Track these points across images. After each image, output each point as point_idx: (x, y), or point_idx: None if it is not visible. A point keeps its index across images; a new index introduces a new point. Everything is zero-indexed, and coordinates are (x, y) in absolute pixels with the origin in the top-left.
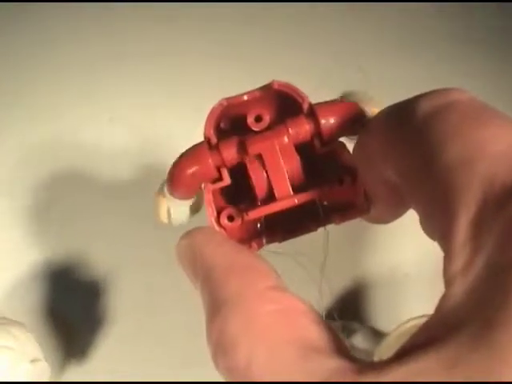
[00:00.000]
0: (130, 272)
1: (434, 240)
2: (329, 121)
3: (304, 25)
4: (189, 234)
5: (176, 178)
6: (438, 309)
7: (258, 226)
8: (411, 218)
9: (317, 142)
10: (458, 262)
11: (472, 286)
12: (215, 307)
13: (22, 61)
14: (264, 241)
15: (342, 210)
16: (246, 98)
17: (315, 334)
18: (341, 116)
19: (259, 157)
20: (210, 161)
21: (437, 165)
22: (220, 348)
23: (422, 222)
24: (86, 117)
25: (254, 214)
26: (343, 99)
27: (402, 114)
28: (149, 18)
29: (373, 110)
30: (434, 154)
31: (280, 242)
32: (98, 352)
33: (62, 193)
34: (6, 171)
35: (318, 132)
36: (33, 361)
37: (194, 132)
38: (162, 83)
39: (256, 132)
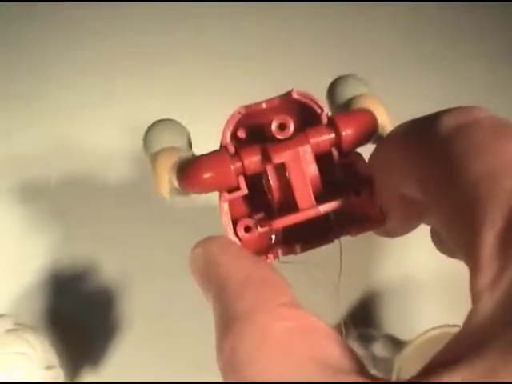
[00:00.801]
0: (144, 277)
1: (452, 257)
2: (349, 132)
3: (311, 25)
4: (203, 242)
5: (193, 178)
6: (467, 324)
7: (273, 237)
8: (427, 226)
9: (335, 153)
10: (486, 277)
11: (501, 301)
12: (228, 322)
13: (29, 65)
14: (280, 252)
15: (357, 222)
16: (264, 106)
17: (335, 353)
18: (360, 127)
19: (281, 165)
20: (231, 167)
21: (462, 179)
22: (231, 365)
23: (441, 238)
24: (95, 121)
25: (278, 224)
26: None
27: (425, 130)
28: (154, 19)
29: (367, 100)
30: (458, 168)
31: (296, 254)
32: (112, 358)
33: (75, 197)
34: (16, 176)
35: (338, 142)
36: (48, 367)
37: (207, 137)
38: (174, 87)
39: (277, 140)
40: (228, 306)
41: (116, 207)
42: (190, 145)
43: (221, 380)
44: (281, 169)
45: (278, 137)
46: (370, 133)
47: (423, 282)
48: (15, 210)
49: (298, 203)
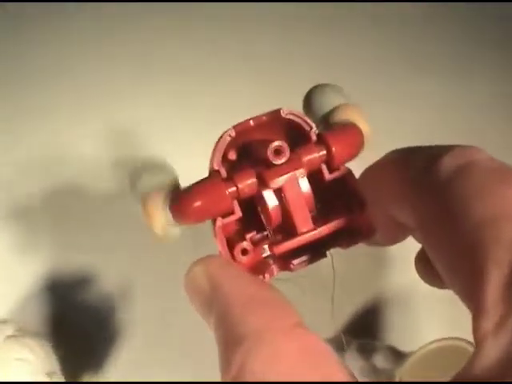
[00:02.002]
0: (144, 284)
1: (436, 287)
2: (339, 148)
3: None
4: (202, 262)
5: (188, 208)
6: (470, 368)
7: (268, 255)
8: None
9: (325, 170)
10: (489, 321)
11: (505, 348)
12: (237, 339)
13: (11, 76)
14: (275, 271)
15: (347, 234)
16: (252, 123)
17: (340, 375)
18: (349, 143)
19: (277, 189)
20: (226, 192)
21: (463, 222)
22: (241, 381)
23: (427, 268)
24: (88, 129)
25: (280, 249)
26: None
27: (424, 165)
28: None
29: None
30: (459, 211)
31: (292, 271)
32: (113, 364)
33: (74, 204)
34: (15, 185)
35: (329, 160)
36: (48, 373)
37: (200, 146)
38: (165, 95)
39: (271, 163)
40: (236, 323)
41: (117, 214)
42: (177, 182)
43: None
44: (277, 192)
45: (274, 162)
46: (359, 147)
47: (425, 293)
48: (14, 219)
49: (297, 227)
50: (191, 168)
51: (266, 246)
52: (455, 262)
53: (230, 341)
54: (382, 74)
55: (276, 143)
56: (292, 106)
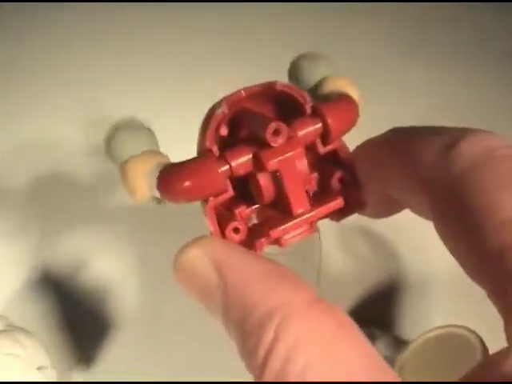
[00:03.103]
0: (134, 276)
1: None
2: (335, 121)
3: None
4: (198, 244)
5: (179, 187)
6: (497, 365)
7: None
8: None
9: (319, 143)
10: None
11: None
12: (262, 316)
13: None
14: (264, 245)
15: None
16: (243, 93)
17: (371, 347)
18: (345, 115)
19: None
20: (219, 172)
21: (488, 218)
22: (275, 358)
23: (465, 268)
24: (83, 123)
25: (277, 234)
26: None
27: (437, 154)
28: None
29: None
30: (483, 205)
31: (282, 246)
32: (105, 358)
33: (63, 199)
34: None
35: (324, 133)
36: (39, 368)
37: (188, 134)
38: (140, 84)
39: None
40: (259, 299)
41: (108, 209)
42: (158, 149)
43: (210, 380)
44: (272, 172)
45: (273, 144)
46: (354, 120)
47: (428, 280)
48: (4, 214)
49: (293, 209)
50: (181, 154)
51: (254, 216)
52: (481, 262)
53: (256, 318)
54: (378, 66)
55: (275, 123)
56: None
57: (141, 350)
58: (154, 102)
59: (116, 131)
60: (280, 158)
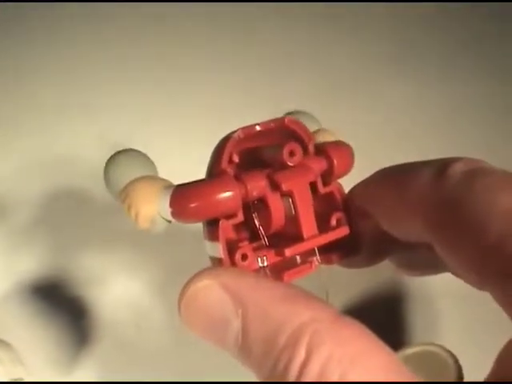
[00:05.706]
0: (117, 285)
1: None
2: (339, 161)
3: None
4: (211, 275)
5: (194, 206)
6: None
7: (260, 263)
8: None
9: (320, 183)
10: None
11: None
12: (291, 334)
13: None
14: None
15: (334, 250)
16: (258, 128)
17: (395, 356)
18: (347, 157)
19: (287, 193)
20: (236, 191)
21: (487, 216)
22: (308, 373)
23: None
24: (76, 133)
25: (290, 252)
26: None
27: (431, 173)
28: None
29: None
30: (481, 214)
31: (286, 281)
32: (84, 368)
33: (48, 208)
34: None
35: (328, 172)
36: (14, 380)
37: (188, 149)
38: (160, 98)
39: (278, 167)
40: (285, 318)
41: (90, 217)
42: (157, 174)
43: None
44: (282, 196)
45: (289, 163)
46: (353, 163)
47: (410, 293)
48: None
49: (304, 231)
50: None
51: (259, 259)
52: (483, 259)
53: (286, 336)
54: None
55: (291, 144)
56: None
57: (121, 358)
58: (154, 129)
59: (113, 163)
60: (295, 179)
